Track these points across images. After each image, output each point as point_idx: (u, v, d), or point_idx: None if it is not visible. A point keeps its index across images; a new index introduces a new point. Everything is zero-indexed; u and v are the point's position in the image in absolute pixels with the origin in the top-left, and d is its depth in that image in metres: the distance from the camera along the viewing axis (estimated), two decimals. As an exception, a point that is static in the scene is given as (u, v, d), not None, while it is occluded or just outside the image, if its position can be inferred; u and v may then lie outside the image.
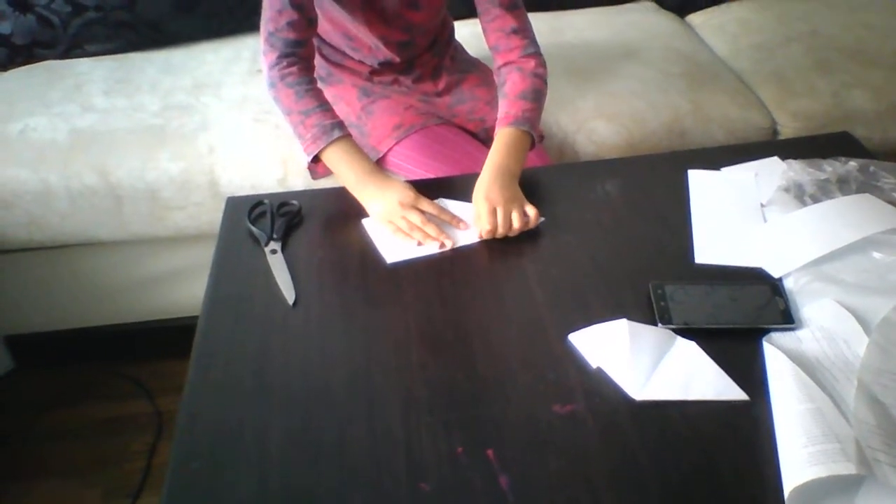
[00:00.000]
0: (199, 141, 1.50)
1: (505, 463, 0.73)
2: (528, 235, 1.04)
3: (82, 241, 1.54)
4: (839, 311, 0.86)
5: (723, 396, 0.79)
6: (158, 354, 1.73)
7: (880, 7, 1.98)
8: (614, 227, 1.06)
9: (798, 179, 1.08)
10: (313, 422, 0.78)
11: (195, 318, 0.93)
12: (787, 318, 0.87)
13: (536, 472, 0.72)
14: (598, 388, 0.81)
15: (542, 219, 1.05)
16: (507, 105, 1.21)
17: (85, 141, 1.49)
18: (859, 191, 1.05)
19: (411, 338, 0.88)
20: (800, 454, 0.69)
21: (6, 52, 1.76)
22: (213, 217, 1.44)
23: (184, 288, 1.63)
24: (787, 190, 1.08)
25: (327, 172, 1.44)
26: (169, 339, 1.47)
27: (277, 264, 0.99)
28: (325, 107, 1.18)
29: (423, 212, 1.06)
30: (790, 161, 1.12)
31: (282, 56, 1.19)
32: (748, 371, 0.82)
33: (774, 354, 0.81)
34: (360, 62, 1.41)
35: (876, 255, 0.94)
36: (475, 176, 1.10)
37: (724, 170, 1.16)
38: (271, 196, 1.11)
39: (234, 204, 1.12)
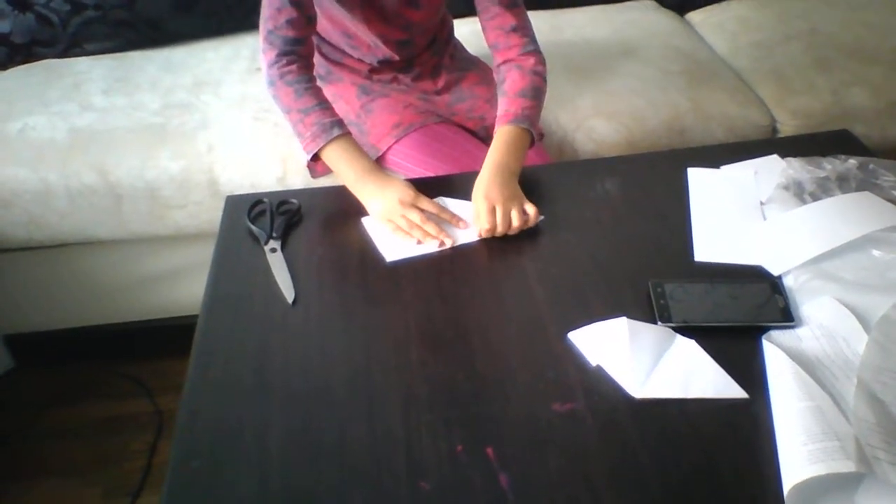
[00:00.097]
0: (198, 139, 1.50)
1: (505, 461, 0.73)
2: (528, 234, 1.04)
3: (82, 240, 1.54)
4: (839, 309, 0.87)
5: (722, 394, 0.79)
6: (158, 353, 1.73)
7: (880, 5, 1.97)
8: (614, 225, 1.06)
9: (797, 177, 1.08)
10: (313, 420, 0.78)
11: (195, 316, 0.93)
12: (786, 316, 0.87)
13: (536, 470, 0.72)
14: (598, 387, 0.81)
15: (542, 217, 1.05)
16: (507, 103, 1.21)
17: (84, 140, 1.49)
18: (859, 188, 1.05)
19: (411, 336, 0.88)
20: (799, 452, 0.69)
21: (5, 50, 1.76)
22: (212, 216, 1.44)
23: (183, 287, 1.63)
24: (786, 188, 1.08)
25: (326, 171, 1.44)
26: (169, 337, 1.47)
27: (277, 263, 0.99)
28: (324, 105, 1.18)
29: (422, 210, 1.06)
30: (790, 159, 1.12)
31: (281, 54, 1.19)
32: (748, 369, 0.82)
33: (774, 352, 0.81)
34: (360, 60, 1.41)
35: (875, 252, 0.94)
36: (475, 174, 1.10)
37: (724, 168, 1.16)
38: (271, 195, 1.11)
39: (233, 202, 1.12)
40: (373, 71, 1.42)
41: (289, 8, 1.17)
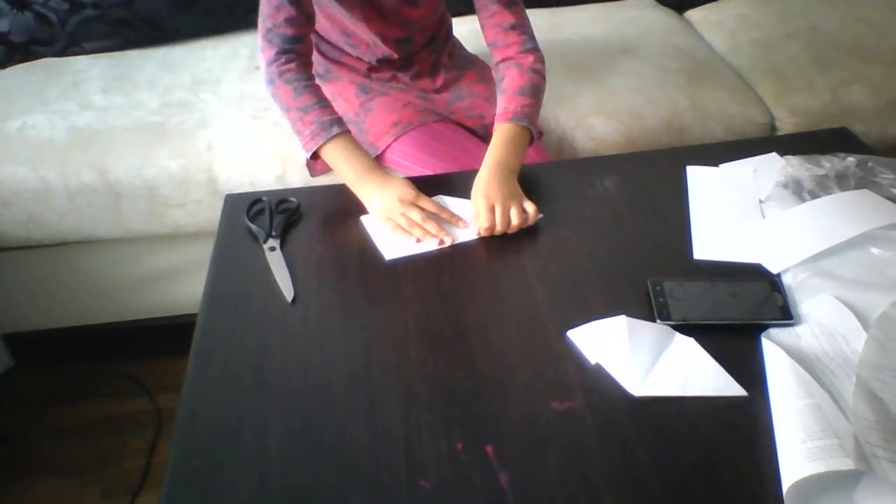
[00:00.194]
0: (197, 138, 1.50)
1: (504, 460, 0.73)
2: (527, 232, 1.04)
3: (81, 239, 1.54)
4: (838, 307, 0.87)
5: (721, 392, 0.79)
6: (157, 352, 1.73)
7: (879, 3, 1.97)
8: (613, 223, 1.06)
9: (796, 175, 1.08)
10: (313, 419, 0.78)
11: (194, 315, 0.93)
12: (785, 314, 0.87)
13: (536, 468, 0.72)
14: (597, 385, 0.81)
15: (541, 215, 1.05)
16: (506, 101, 1.21)
17: (83, 138, 1.49)
18: (857, 186, 1.05)
19: (410, 335, 0.88)
20: (798, 450, 0.69)
21: (4, 49, 1.76)
22: (211, 214, 1.44)
23: (183, 285, 1.63)
24: (785, 186, 1.08)
25: (326, 170, 1.44)
26: (168, 336, 1.47)
27: (276, 261, 0.99)
28: (323, 103, 1.17)
29: (422, 209, 1.05)
30: (788, 157, 1.12)
31: (280, 52, 1.18)
32: (747, 367, 0.82)
33: (773, 350, 0.81)
34: (358, 59, 1.41)
35: (874, 250, 0.94)
36: (474, 172, 1.10)
37: (723, 166, 1.16)
38: (270, 193, 1.11)
39: (232, 201, 1.12)
40: (371, 69, 1.42)
41: (287, 6, 1.16)
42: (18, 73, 1.74)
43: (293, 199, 1.10)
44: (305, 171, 1.44)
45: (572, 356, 0.84)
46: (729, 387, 0.80)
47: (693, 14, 2.08)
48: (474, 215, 1.05)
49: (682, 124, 1.58)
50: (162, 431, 1.60)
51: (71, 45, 1.79)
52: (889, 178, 1.05)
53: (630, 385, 0.80)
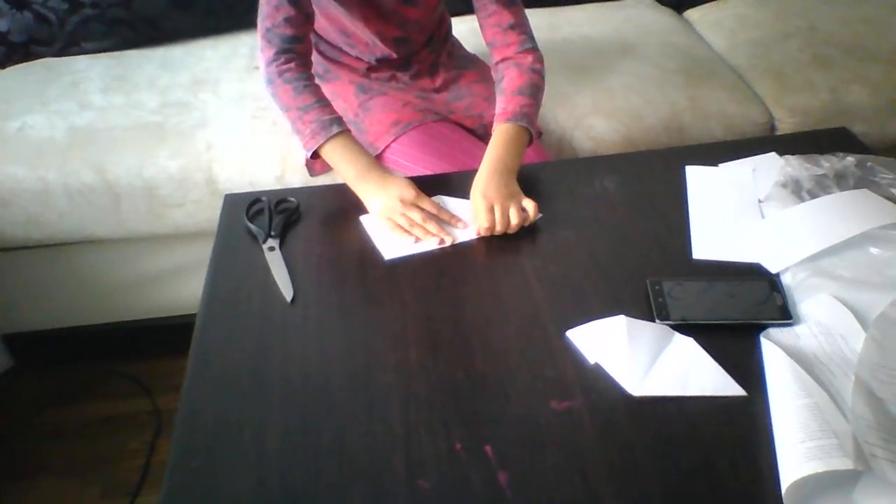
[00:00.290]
0: (197, 138, 1.50)
1: (503, 459, 0.73)
2: (527, 232, 1.04)
3: (80, 239, 1.53)
4: (836, 307, 0.87)
5: (720, 392, 0.79)
6: (157, 352, 1.73)
7: (878, 2, 1.97)
8: (612, 223, 1.06)
9: (795, 175, 1.08)
10: (312, 419, 0.78)
11: (194, 315, 0.93)
12: (784, 314, 0.87)
13: (535, 468, 0.72)
14: (596, 385, 0.81)
15: (540, 215, 1.05)
16: (505, 101, 1.20)
17: (83, 139, 1.49)
18: (857, 186, 1.05)
19: (410, 335, 0.88)
20: (797, 449, 0.69)
21: (3, 49, 1.76)
22: (211, 214, 1.43)
23: (182, 285, 1.63)
24: (784, 185, 1.08)
25: (325, 169, 1.44)
26: (168, 336, 1.47)
27: (275, 261, 0.99)
28: (323, 102, 1.17)
29: (422, 209, 1.05)
30: (788, 157, 1.12)
31: (279, 52, 1.18)
32: (746, 367, 0.82)
33: (772, 350, 0.81)
34: (357, 59, 1.41)
35: (873, 250, 0.94)
36: (473, 172, 1.10)
37: (722, 166, 1.16)
38: (269, 193, 1.11)
39: (231, 201, 1.12)
40: (371, 69, 1.42)
41: (287, 6, 1.16)
42: (18, 73, 1.74)
43: (292, 198, 1.10)
44: (305, 170, 1.44)
45: (571, 356, 0.84)
46: (728, 387, 0.80)
47: (692, 14, 2.08)
48: (473, 215, 1.05)
49: (681, 124, 1.58)
50: (161, 432, 1.60)
51: (70, 44, 1.79)
52: (888, 177, 1.05)
53: (629, 385, 0.80)
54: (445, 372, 0.83)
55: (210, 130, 1.52)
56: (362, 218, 1.08)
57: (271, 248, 1.02)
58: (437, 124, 1.36)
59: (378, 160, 1.33)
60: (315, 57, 1.38)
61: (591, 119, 1.57)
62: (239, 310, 0.93)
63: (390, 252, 1.01)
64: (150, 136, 1.50)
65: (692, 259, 0.99)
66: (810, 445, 0.69)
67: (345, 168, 1.13)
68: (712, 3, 2.09)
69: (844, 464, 0.66)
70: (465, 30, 1.55)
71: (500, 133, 1.16)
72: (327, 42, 1.42)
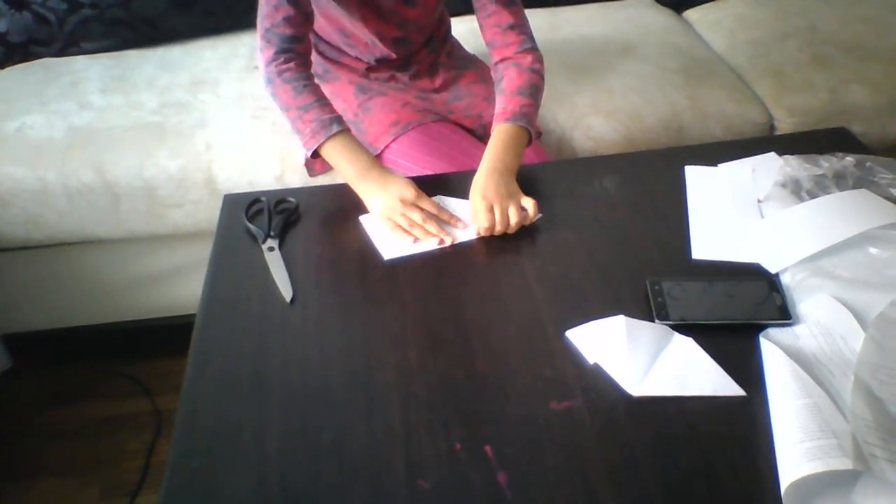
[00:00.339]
0: (196, 138, 1.50)
1: (503, 459, 0.73)
2: (526, 232, 1.04)
3: (80, 240, 1.53)
4: (836, 307, 0.87)
5: (720, 392, 0.79)
6: (157, 353, 1.73)
7: (878, 2, 1.97)
8: (612, 223, 1.06)
9: (795, 175, 1.08)
10: (312, 419, 0.78)
11: (193, 315, 0.93)
12: (783, 314, 0.87)
13: (534, 468, 0.72)
14: (596, 385, 0.81)
15: (540, 214, 1.05)
16: (504, 101, 1.20)
17: (82, 139, 1.49)
18: (856, 186, 1.05)
19: (409, 335, 0.88)
20: (796, 449, 0.69)
21: (2, 49, 1.76)
22: (210, 214, 1.43)
23: (182, 286, 1.63)
24: (783, 185, 1.08)
25: (324, 169, 1.44)
26: (167, 337, 1.47)
27: (275, 262, 0.99)
28: (323, 102, 1.17)
29: (422, 209, 1.05)
30: (787, 157, 1.12)
31: (279, 52, 1.18)
32: (745, 367, 0.82)
33: (771, 350, 0.82)
34: (357, 59, 1.41)
35: (872, 250, 0.94)
36: (472, 172, 1.10)
37: (721, 166, 1.16)
38: (268, 193, 1.11)
39: (231, 201, 1.12)
40: (370, 69, 1.42)
41: (286, 6, 1.16)
42: (17, 74, 1.74)
43: (292, 199, 1.10)
44: (304, 170, 1.44)
45: (571, 356, 0.84)
46: (727, 387, 0.80)
47: (691, 14, 2.09)
48: (473, 216, 1.05)
49: (680, 124, 1.58)
50: (161, 432, 1.60)
51: (69, 45, 1.79)
52: (887, 177, 1.05)
53: (629, 385, 0.80)
54: (445, 372, 0.83)
55: (209, 131, 1.52)
56: (362, 218, 1.08)
57: (271, 249, 1.02)
58: (437, 124, 1.36)
59: (377, 160, 1.33)
60: (314, 57, 1.38)
61: (590, 119, 1.57)
62: (238, 310, 0.93)
63: (390, 252, 1.01)
64: (150, 136, 1.50)
65: (691, 259, 0.99)
66: (809, 445, 0.69)
67: (345, 167, 1.13)
68: (712, 3, 2.09)
69: (844, 464, 0.66)
70: (464, 30, 1.55)
71: (500, 133, 1.15)
72: (327, 42, 1.42)
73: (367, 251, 1.02)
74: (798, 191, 1.07)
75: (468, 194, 1.08)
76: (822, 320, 0.86)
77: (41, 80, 1.69)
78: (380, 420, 0.78)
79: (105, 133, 1.51)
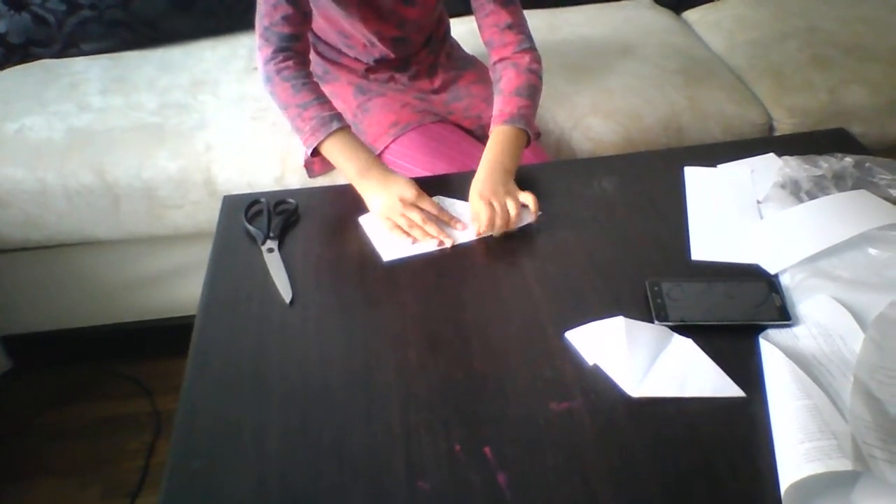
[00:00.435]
0: (196, 139, 1.50)
1: (503, 460, 0.73)
2: (526, 233, 1.04)
3: (79, 241, 1.54)
4: (835, 308, 0.87)
5: (719, 393, 0.79)
6: (156, 353, 1.73)
7: (878, 2, 1.98)
8: (611, 224, 1.06)
9: (794, 176, 1.08)
10: (311, 420, 0.78)
11: (193, 316, 0.93)
12: (783, 315, 0.87)
13: (534, 469, 0.73)
14: (595, 385, 0.81)
15: (540, 213, 1.05)
16: (502, 102, 1.21)
17: (81, 140, 1.49)
18: (855, 187, 1.05)
19: (409, 336, 0.88)
20: (796, 450, 0.69)
21: (1, 51, 1.76)
22: (210, 216, 1.43)
23: (181, 287, 1.63)
24: (783, 186, 1.08)
25: (324, 170, 1.44)
26: (167, 338, 1.47)
27: (274, 263, 0.99)
28: (322, 99, 1.17)
29: (422, 210, 1.05)
30: (786, 157, 1.12)
31: (277, 50, 1.18)
32: (745, 368, 0.82)
33: (771, 351, 0.82)
34: (356, 59, 1.41)
35: (872, 251, 0.94)
36: (472, 173, 1.10)
37: (721, 166, 1.16)
38: (268, 194, 1.11)
39: (230, 202, 1.12)
40: (369, 70, 1.42)
41: (284, 4, 1.16)
42: (16, 75, 1.74)
43: (291, 200, 1.10)
44: (304, 172, 1.44)
45: (570, 357, 0.84)
46: (727, 388, 0.80)
47: (691, 14, 2.09)
48: (472, 216, 1.05)
49: (680, 124, 1.58)
50: (161, 432, 1.60)
51: (68, 46, 1.79)
52: (886, 178, 1.05)
53: (628, 386, 0.80)
54: (445, 373, 0.83)
55: (209, 132, 1.52)
56: (361, 219, 1.08)
57: (270, 250, 1.02)
58: (436, 125, 1.36)
59: (378, 159, 1.33)
60: (314, 58, 1.38)
61: (590, 119, 1.57)
62: (238, 311, 0.93)
63: (389, 254, 1.01)
64: (149, 137, 1.50)
65: (691, 260, 0.99)
66: (809, 446, 0.69)
67: (345, 165, 1.13)
68: (711, 4, 2.09)
69: (843, 465, 0.67)
70: (463, 31, 1.55)
71: (497, 135, 1.16)
72: (326, 43, 1.42)
73: (366, 252, 1.02)
74: (797, 192, 1.07)
75: (468, 195, 1.08)
76: (821, 321, 0.86)
77: (40, 82, 1.69)
78: (379, 421, 0.78)
79: (104, 134, 1.51)
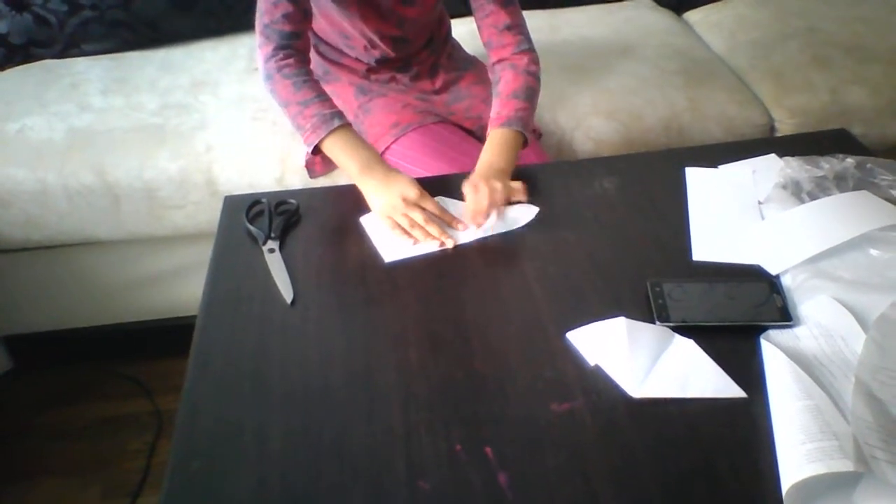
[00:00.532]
0: (196, 140, 1.50)
1: (503, 461, 0.73)
2: (526, 233, 1.04)
3: (80, 241, 1.54)
4: (836, 308, 0.87)
5: (721, 394, 0.79)
6: (157, 354, 1.73)
7: (878, 2, 1.98)
8: (612, 224, 1.06)
9: (795, 176, 1.08)
10: (312, 420, 0.78)
11: (194, 317, 0.93)
12: (784, 316, 0.87)
13: (535, 469, 0.72)
14: (597, 386, 0.81)
15: (538, 210, 1.05)
16: (500, 105, 1.21)
17: (82, 140, 1.49)
18: (856, 188, 1.05)
19: (410, 336, 0.88)
20: (798, 451, 0.69)
21: (3, 51, 1.76)
22: (210, 216, 1.43)
23: (182, 287, 1.63)
24: (784, 187, 1.08)
25: (325, 171, 1.44)
26: (168, 338, 1.47)
27: (275, 263, 0.99)
28: (323, 97, 1.17)
29: (424, 209, 1.05)
30: (787, 158, 1.12)
31: (278, 48, 1.18)
32: (746, 368, 0.82)
33: (772, 352, 0.81)
34: (357, 60, 1.41)
35: (873, 251, 0.94)
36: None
37: (722, 167, 1.16)
38: (269, 195, 1.11)
39: (231, 203, 1.12)
40: (370, 70, 1.42)
41: (285, 2, 1.16)
42: (17, 75, 1.75)
43: (292, 200, 1.10)
44: (305, 172, 1.44)
45: (571, 357, 0.84)
46: (728, 388, 0.80)
47: (692, 15, 2.09)
48: (465, 208, 1.04)
49: (680, 125, 1.58)
50: (162, 433, 1.60)
51: (70, 46, 1.79)
52: (888, 179, 1.05)
53: (629, 386, 0.80)
54: (446, 373, 0.83)
55: (210, 132, 1.52)
56: (362, 219, 1.08)
57: (271, 250, 1.02)
58: (437, 126, 1.37)
59: (380, 156, 1.33)
60: (315, 58, 1.38)
61: (591, 120, 1.57)
62: (239, 311, 0.93)
63: (390, 254, 1.01)
64: (150, 137, 1.50)
65: (692, 261, 0.99)
66: (811, 447, 0.69)
67: (347, 162, 1.12)
68: (712, 5, 2.09)
69: (845, 465, 0.66)
70: (464, 32, 1.55)
71: (494, 138, 1.16)
72: (327, 44, 1.42)
73: (367, 252, 1.02)
74: (798, 192, 1.07)
75: (468, 196, 1.08)
76: (822, 322, 0.86)
77: (41, 82, 1.70)
78: (380, 421, 0.78)
79: (105, 135, 1.51)
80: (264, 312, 0.92)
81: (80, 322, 1.68)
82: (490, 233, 1.04)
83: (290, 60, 1.18)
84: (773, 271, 0.95)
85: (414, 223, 1.03)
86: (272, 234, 1.04)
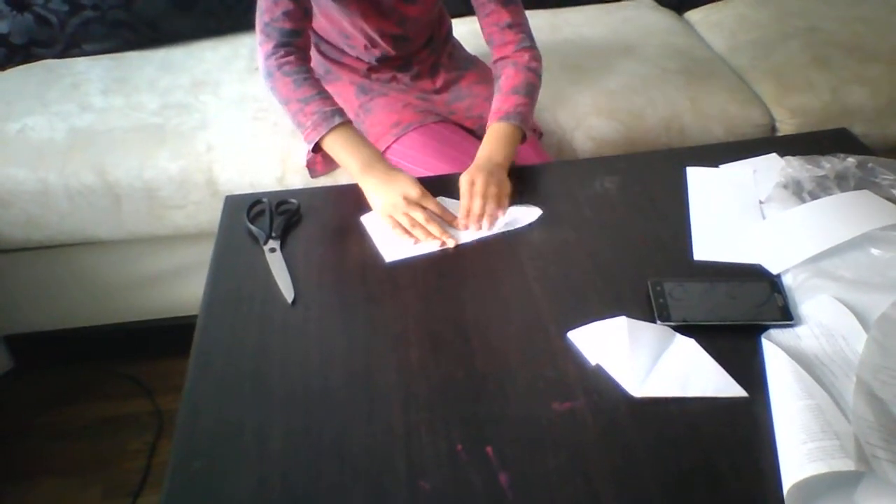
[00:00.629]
0: (197, 139, 1.50)
1: (504, 460, 0.73)
2: (527, 233, 1.04)
3: (81, 241, 1.54)
4: (838, 308, 0.87)
5: (722, 393, 0.79)
6: (158, 353, 1.73)
7: (878, 2, 1.97)
8: (613, 224, 1.06)
9: (796, 176, 1.08)
10: (313, 420, 0.78)
11: (195, 316, 0.93)
12: (785, 315, 0.87)
13: (536, 469, 0.72)
14: (598, 385, 0.81)
15: (541, 212, 1.05)
16: (500, 100, 1.21)
17: (83, 140, 1.49)
18: (857, 187, 1.05)
19: (410, 336, 0.88)
20: (799, 451, 0.69)
21: (4, 51, 1.76)
22: (211, 216, 1.44)
23: (183, 287, 1.63)
24: (785, 186, 1.08)
25: (326, 170, 1.44)
26: (168, 337, 1.47)
27: (276, 263, 0.99)
28: (324, 94, 1.17)
29: (425, 209, 1.05)
30: (788, 158, 1.12)
31: (278, 45, 1.18)
32: (747, 368, 0.82)
33: (773, 351, 0.81)
34: (358, 59, 1.41)
35: (874, 251, 0.94)
36: (473, 174, 1.10)
37: (723, 167, 1.16)
38: (270, 194, 1.11)
39: (232, 202, 1.12)
40: (371, 70, 1.42)
41: (285, 0, 1.16)
42: (18, 75, 1.75)
43: (293, 200, 1.10)
44: (305, 172, 1.44)
45: (572, 357, 0.84)
46: (729, 388, 0.80)
47: (692, 15, 2.09)
48: (461, 206, 1.05)
49: (681, 125, 1.58)
50: (162, 432, 1.60)
51: (70, 46, 1.79)
52: (889, 178, 1.05)
53: (630, 386, 0.80)
54: (446, 373, 0.83)
55: (210, 132, 1.52)
56: (363, 218, 1.08)
57: (272, 250, 1.02)
58: (438, 125, 1.36)
59: (382, 155, 1.33)
60: (316, 58, 1.38)
61: (591, 119, 1.57)
62: (240, 311, 0.93)
63: (391, 254, 1.01)
64: (151, 137, 1.50)
65: (693, 260, 0.99)
66: (812, 446, 0.69)
67: (348, 160, 1.12)
68: (712, 4, 2.09)
69: (846, 465, 0.66)
70: (465, 31, 1.55)
71: (493, 132, 1.16)
72: (328, 43, 1.42)
73: (368, 252, 1.02)
74: (799, 192, 1.07)
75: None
76: (823, 321, 0.86)
77: (42, 82, 1.70)
78: (381, 421, 0.78)
79: (106, 134, 1.51)
80: (265, 312, 0.92)
81: (81, 322, 1.68)
82: (490, 233, 1.04)
83: (291, 58, 1.18)
84: (774, 271, 0.95)
85: (415, 222, 1.03)
86: (273, 234, 1.04)
